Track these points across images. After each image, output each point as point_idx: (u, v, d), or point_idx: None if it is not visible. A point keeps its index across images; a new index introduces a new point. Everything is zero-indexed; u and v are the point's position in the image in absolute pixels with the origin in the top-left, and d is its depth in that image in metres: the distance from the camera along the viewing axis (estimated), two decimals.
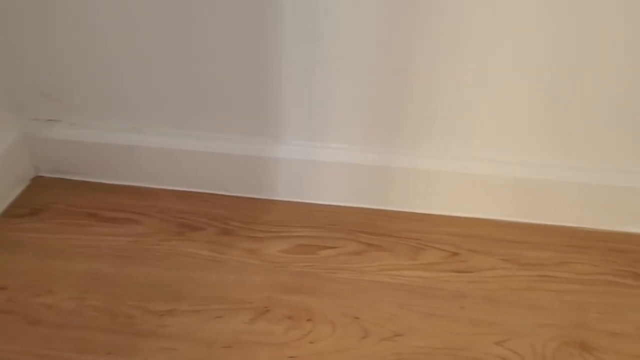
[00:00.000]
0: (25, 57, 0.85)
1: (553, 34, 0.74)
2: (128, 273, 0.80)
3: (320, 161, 0.89)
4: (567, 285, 0.80)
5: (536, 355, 0.71)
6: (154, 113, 0.88)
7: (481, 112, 0.82)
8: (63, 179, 0.96)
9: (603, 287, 0.80)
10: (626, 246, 0.86)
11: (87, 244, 0.84)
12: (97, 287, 0.78)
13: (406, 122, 0.85)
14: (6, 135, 0.91)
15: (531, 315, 0.76)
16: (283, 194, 0.93)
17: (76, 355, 0.70)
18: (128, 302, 0.76)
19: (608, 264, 0.83)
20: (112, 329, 0.73)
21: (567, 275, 0.81)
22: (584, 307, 0.77)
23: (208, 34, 0.79)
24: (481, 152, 0.85)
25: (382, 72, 0.80)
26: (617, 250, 0.85)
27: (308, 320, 0.75)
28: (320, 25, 0.77)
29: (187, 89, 0.85)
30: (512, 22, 0.74)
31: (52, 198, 0.92)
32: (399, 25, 0.76)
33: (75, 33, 0.82)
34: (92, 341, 0.71)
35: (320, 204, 0.92)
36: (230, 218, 0.90)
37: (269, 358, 0.70)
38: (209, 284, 0.79)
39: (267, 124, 0.87)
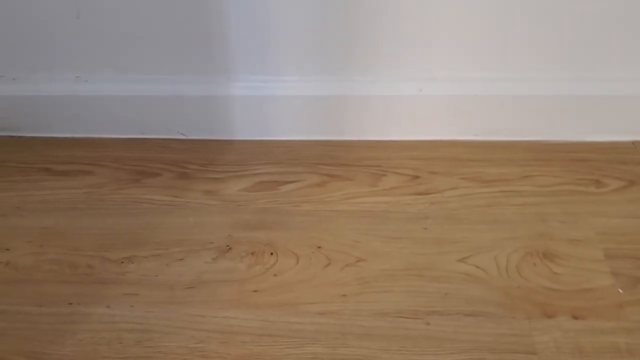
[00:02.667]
0: None
1: None
2: (84, 224, 0.79)
3: (274, 96, 0.86)
4: (529, 198, 0.79)
5: (500, 268, 0.71)
6: (96, 60, 0.85)
7: (433, 29, 0.80)
8: (12, 136, 0.93)
9: (565, 197, 0.79)
10: (588, 155, 0.85)
11: (41, 199, 0.83)
12: (54, 240, 0.77)
13: (356, 47, 0.82)
14: None
15: (494, 231, 0.76)
16: (239, 133, 0.90)
17: (37, 309, 0.69)
18: (86, 252, 0.75)
19: (570, 174, 0.83)
20: (72, 280, 0.72)
21: (528, 189, 0.81)
22: (546, 217, 0.77)
23: None
24: (436, 72, 0.83)
25: None
26: (578, 159, 0.85)
27: (271, 254, 0.74)
28: None
29: (127, 31, 0.81)
30: None
31: (2, 157, 0.89)
32: None
33: None
34: (52, 294, 0.71)
35: (278, 140, 0.90)
36: (187, 162, 0.88)
37: (234, 294, 0.70)
38: (168, 228, 0.78)
39: (215, 62, 0.84)
